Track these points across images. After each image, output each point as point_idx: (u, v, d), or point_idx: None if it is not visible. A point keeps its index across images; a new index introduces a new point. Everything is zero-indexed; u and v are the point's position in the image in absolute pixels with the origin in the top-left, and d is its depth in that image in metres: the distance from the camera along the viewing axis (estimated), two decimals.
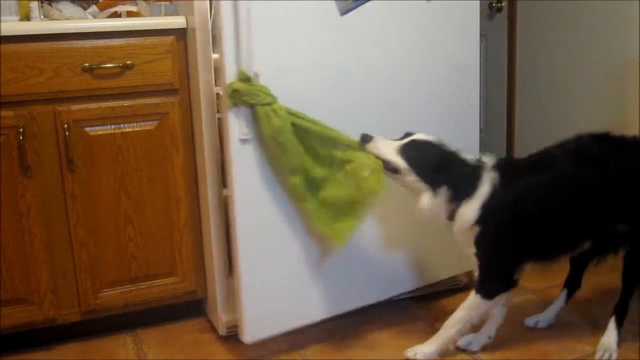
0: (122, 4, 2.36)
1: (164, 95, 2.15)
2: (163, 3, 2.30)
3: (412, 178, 1.93)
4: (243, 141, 1.92)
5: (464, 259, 2.08)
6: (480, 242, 1.97)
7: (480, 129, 2.76)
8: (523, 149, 3.28)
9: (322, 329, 2.25)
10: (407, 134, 1.99)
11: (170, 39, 2.12)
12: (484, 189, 1.92)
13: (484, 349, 2.12)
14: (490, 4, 3.46)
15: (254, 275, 2.02)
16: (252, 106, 1.88)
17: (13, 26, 1.98)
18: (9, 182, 2.01)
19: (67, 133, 2.04)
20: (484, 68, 3.48)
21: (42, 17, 2.22)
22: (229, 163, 1.95)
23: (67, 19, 2.29)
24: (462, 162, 1.96)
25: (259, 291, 2.04)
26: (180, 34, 2.13)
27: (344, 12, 2.01)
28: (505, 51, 3.45)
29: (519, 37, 3.38)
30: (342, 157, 1.95)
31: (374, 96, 2.14)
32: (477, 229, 1.95)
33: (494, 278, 2.02)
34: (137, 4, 2.36)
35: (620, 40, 2.74)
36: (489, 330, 2.14)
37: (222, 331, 2.21)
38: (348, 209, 1.98)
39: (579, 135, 2.02)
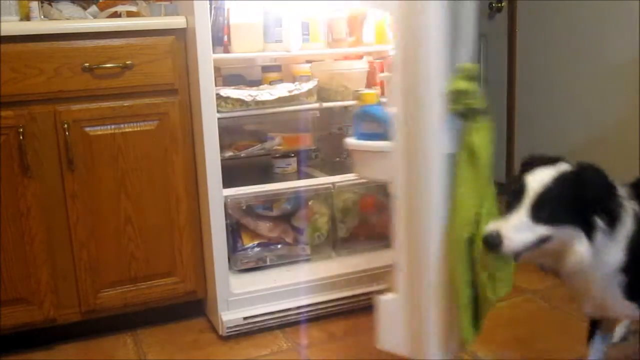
0: (122, 4, 2.36)
1: (164, 95, 2.15)
2: (163, 3, 2.30)
3: (564, 234, 1.46)
4: (449, 156, 1.60)
5: None
6: None
7: None
8: (523, 150, 3.29)
9: (322, 329, 2.26)
10: (519, 183, 1.49)
11: (170, 39, 2.12)
12: (628, 223, 1.49)
13: (483, 349, 2.12)
14: (490, 4, 3.46)
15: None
16: (466, 113, 1.55)
17: (13, 26, 1.98)
18: (9, 182, 2.01)
19: (67, 133, 2.04)
20: (484, 68, 3.48)
21: (42, 17, 2.22)
22: (425, 180, 1.60)
23: (67, 19, 2.29)
24: (611, 188, 1.49)
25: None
26: (180, 34, 2.13)
27: None
28: (506, 51, 3.45)
29: (519, 37, 3.38)
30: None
31: None
32: (621, 276, 1.53)
33: None
34: (137, 4, 2.36)
35: (621, 41, 2.74)
36: None
37: (222, 331, 2.21)
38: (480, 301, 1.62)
39: None
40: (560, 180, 1.47)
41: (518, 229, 1.43)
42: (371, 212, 2.63)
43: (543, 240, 1.45)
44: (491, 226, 1.45)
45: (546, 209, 1.43)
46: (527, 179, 1.47)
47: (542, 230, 1.43)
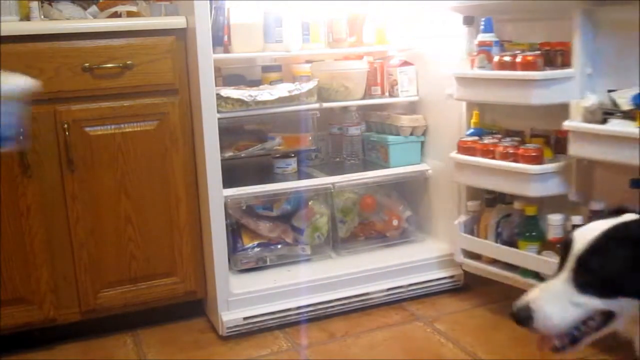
0: (122, 4, 2.36)
1: (164, 95, 2.15)
2: (163, 3, 2.30)
3: (628, 308, 1.10)
4: None
5: None
6: None
7: None
8: None
9: (323, 329, 2.26)
10: (567, 238, 1.17)
11: (170, 39, 2.12)
12: None
13: (483, 349, 2.12)
14: None
15: None
16: None
17: (13, 26, 1.98)
18: (9, 182, 2.01)
19: (67, 133, 2.04)
20: None
21: (42, 17, 2.22)
22: None
23: (67, 19, 2.29)
24: None
25: None
26: (180, 34, 2.13)
27: None
28: None
29: None
30: None
31: None
32: None
33: None
34: (137, 4, 2.36)
35: None
36: None
37: (222, 331, 2.21)
38: None
39: None
40: (616, 234, 1.10)
41: (556, 300, 1.08)
42: (371, 212, 2.64)
43: (604, 320, 1.10)
44: (525, 296, 1.11)
45: (595, 273, 1.07)
46: (575, 234, 1.14)
47: (592, 303, 1.07)
